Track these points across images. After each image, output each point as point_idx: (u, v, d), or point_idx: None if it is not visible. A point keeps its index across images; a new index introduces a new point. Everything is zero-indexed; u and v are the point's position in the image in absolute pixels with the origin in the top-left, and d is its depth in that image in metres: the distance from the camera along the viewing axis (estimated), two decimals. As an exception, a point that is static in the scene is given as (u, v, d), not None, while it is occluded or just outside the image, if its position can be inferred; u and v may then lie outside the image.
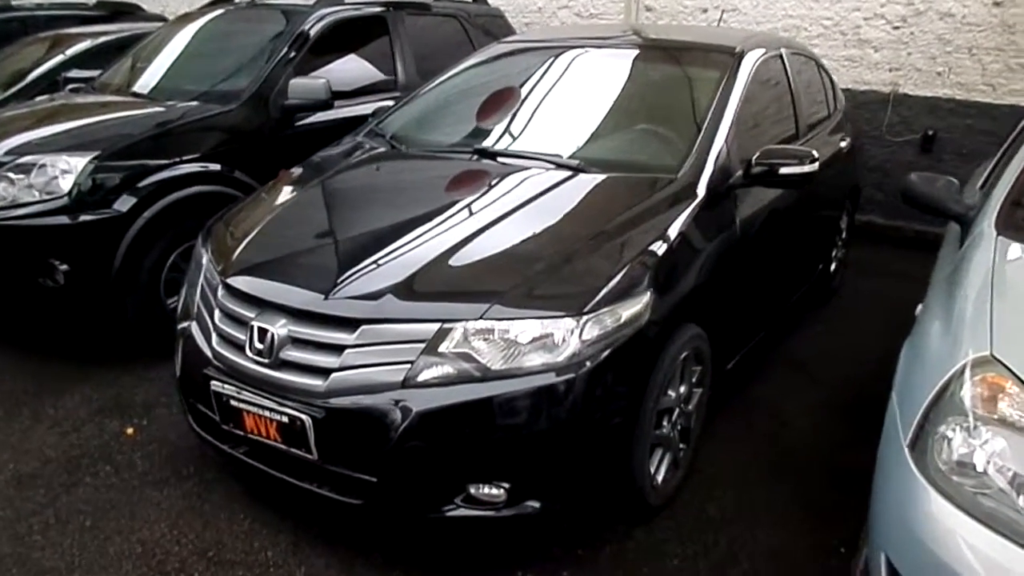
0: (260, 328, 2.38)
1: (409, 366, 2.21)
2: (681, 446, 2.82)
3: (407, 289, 2.34)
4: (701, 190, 2.81)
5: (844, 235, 4.93)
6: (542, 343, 2.21)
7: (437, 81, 3.82)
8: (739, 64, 3.37)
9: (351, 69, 4.66)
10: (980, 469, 1.72)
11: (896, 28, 5.63)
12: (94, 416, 3.32)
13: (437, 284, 2.40)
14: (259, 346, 2.37)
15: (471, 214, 2.69)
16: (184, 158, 3.81)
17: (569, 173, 2.91)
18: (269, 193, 3.13)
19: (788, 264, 3.81)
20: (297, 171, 3.33)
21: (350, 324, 2.28)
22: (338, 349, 2.28)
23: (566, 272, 2.37)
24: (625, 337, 2.31)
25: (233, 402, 2.45)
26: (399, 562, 2.49)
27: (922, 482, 1.77)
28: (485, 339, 2.21)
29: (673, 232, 2.61)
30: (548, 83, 3.50)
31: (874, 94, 5.83)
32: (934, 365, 1.94)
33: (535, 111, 3.37)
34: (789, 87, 3.82)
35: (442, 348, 2.21)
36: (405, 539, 2.58)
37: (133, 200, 3.60)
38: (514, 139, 3.22)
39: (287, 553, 2.54)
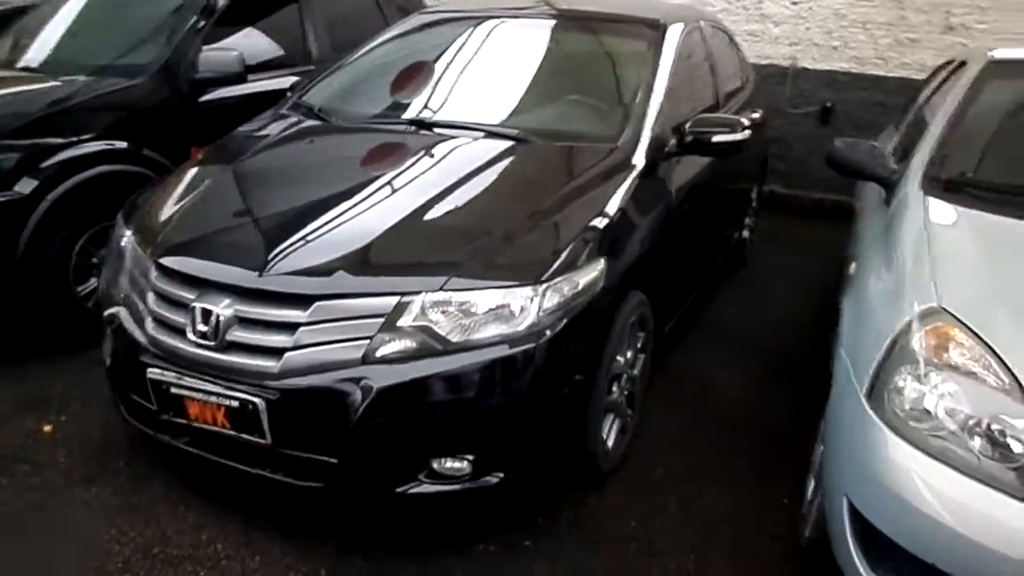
0: (203, 309, 2.25)
1: (368, 342, 2.15)
2: (628, 411, 2.87)
3: (361, 263, 2.27)
4: (641, 159, 2.84)
5: (755, 205, 5.12)
6: (501, 313, 2.19)
7: (360, 52, 3.70)
8: (664, 36, 3.42)
9: (261, 41, 4.45)
10: (933, 413, 1.83)
11: (795, 3, 5.85)
12: (5, 414, 3.08)
13: (391, 257, 2.34)
14: (203, 328, 2.25)
15: (416, 186, 2.63)
16: (86, 136, 3.55)
17: (511, 143, 2.89)
18: (195, 170, 2.96)
19: (713, 232, 3.92)
20: (222, 146, 3.16)
21: (303, 301, 2.19)
22: (291, 327, 2.19)
23: (522, 242, 2.35)
24: (582, 305, 2.32)
25: (174, 389, 2.32)
26: (358, 545, 2.43)
27: (882, 428, 1.87)
28: (443, 311, 2.17)
29: (620, 200, 2.63)
30: (477, 53, 3.45)
31: (775, 68, 6.05)
32: (883, 319, 2.04)
33: (467, 82, 3.31)
34: (708, 59, 3.91)
35: (401, 322, 2.16)
36: (363, 521, 2.52)
37: (35, 182, 3.33)
38: (449, 110, 3.16)
39: (238, 544, 2.43)
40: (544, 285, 2.22)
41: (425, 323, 2.16)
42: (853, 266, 2.62)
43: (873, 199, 2.97)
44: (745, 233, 4.94)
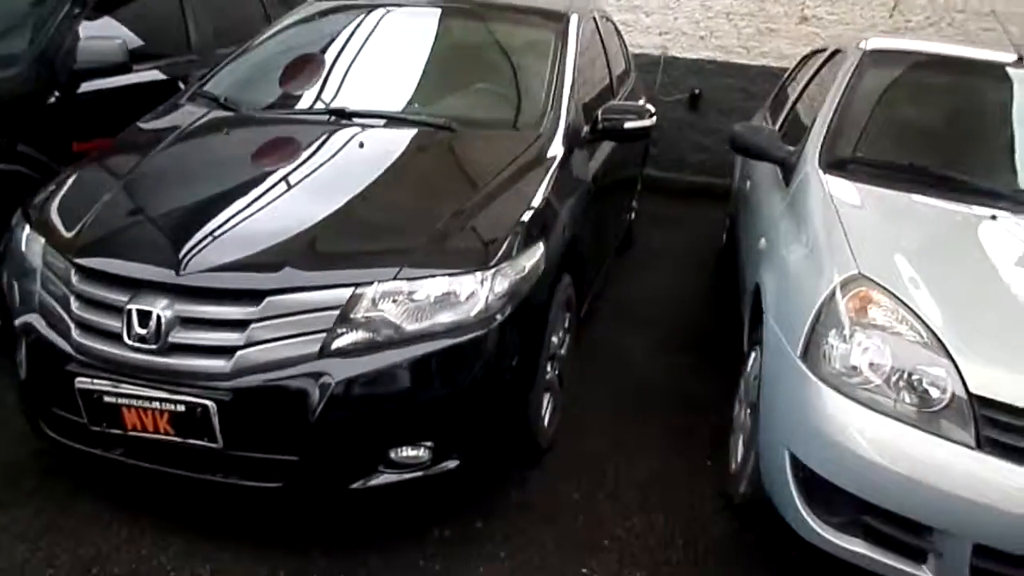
0: (140, 311, 2.14)
1: (324, 335, 2.12)
2: (559, 390, 2.97)
3: (308, 255, 2.24)
4: (562, 145, 2.94)
5: (639, 187, 5.37)
6: (452, 300, 2.22)
7: (259, 40, 3.58)
8: (568, 25, 3.53)
9: (138, 29, 4.18)
10: (859, 368, 2.04)
11: (656, -8, 6.17)
12: None
13: (337, 248, 2.32)
14: (141, 331, 2.14)
15: (347, 176, 2.61)
16: (-49, 132, 3.25)
17: (434, 131, 2.90)
18: (102, 165, 2.78)
19: (614, 214, 4.10)
20: (127, 139, 2.98)
21: (253, 297, 2.13)
22: (241, 325, 2.12)
23: (466, 228, 2.38)
24: (527, 289, 2.38)
25: (108, 399, 2.19)
26: (314, 542, 2.40)
27: (818, 385, 2.06)
28: (395, 300, 2.17)
29: (548, 186, 2.71)
30: (384, 42, 3.43)
31: (647, 57, 6.33)
32: (808, 289, 2.24)
33: (380, 71, 3.29)
34: (602, 48, 4.07)
35: (355, 313, 2.14)
36: (319, 518, 2.48)
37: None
38: (365, 99, 3.12)
39: (183, 554, 2.33)
40: (492, 270, 2.27)
41: (379, 313, 2.16)
42: (763, 242, 2.83)
43: (768, 179, 3.21)
44: (632, 215, 5.17)
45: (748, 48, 6.10)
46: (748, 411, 2.60)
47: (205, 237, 2.28)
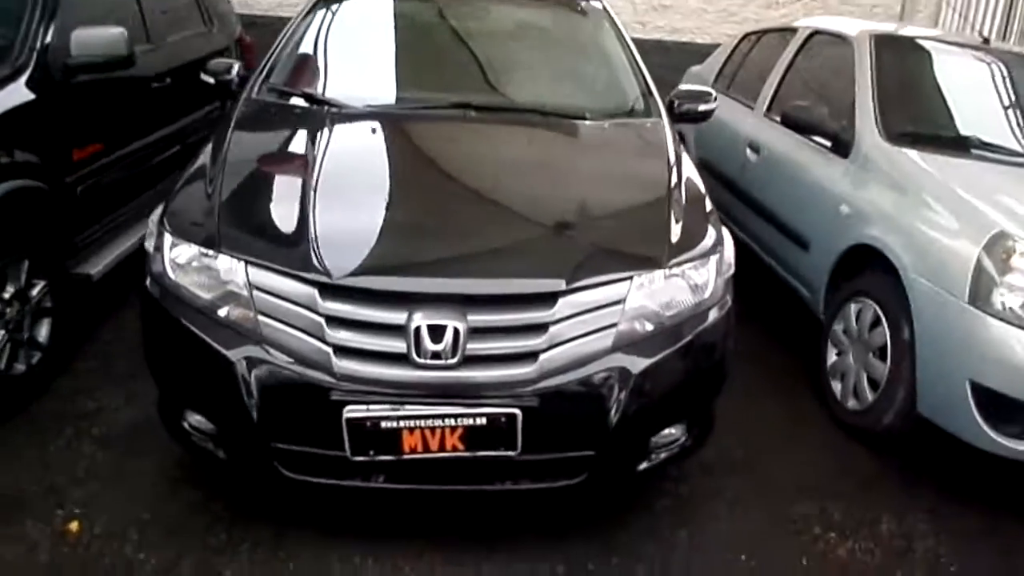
0: (431, 327, 2.05)
1: (614, 329, 2.18)
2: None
3: (584, 250, 2.29)
4: (671, 128, 3.11)
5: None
6: (696, 286, 2.36)
7: (296, 29, 3.33)
8: (604, 8, 3.73)
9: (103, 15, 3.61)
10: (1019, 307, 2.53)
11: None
12: None
13: (598, 243, 2.35)
14: (434, 348, 2.05)
15: (546, 171, 2.65)
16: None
17: (574, 122, 2.97)
18: (254, 175, 2.51)
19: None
20: (246, 146, 2.67)
21: (546, 299, 2.13)
22: (540, 328, 2.12)
23: (685, 219, 2.49)
24: (729, 272, 2.56)
25: (386, 424, 2.07)
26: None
27: (995, 322, 2.53)
28: (656, 290, 2.27)
29: (694, 169, 2.90)
30: (470, 30, 3.38)
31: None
32: (959, 245, 2.68)
33: (478, 60, 3.23)
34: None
35: (629, 306, 2.22)
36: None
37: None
38: (489, 92, 3.10)
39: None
40: (717, 254, 2.44)
41: (645, 303, 2.24)
42: (844, 208, 3.23)
43: (801, 152, 3.63)
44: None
45: (644, 23, 6.55)
46: (870, 355, 3.00)
47: (462, 243, 2.23)
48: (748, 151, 4.16)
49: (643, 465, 2.34)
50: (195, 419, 2.29)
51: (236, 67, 3.23)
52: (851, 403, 3.11)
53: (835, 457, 2.98)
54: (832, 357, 3.27)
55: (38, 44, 3.09)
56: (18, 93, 2.91)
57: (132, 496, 2.49)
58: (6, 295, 2.83)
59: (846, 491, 2.78)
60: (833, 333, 3.26)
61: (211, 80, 3.24)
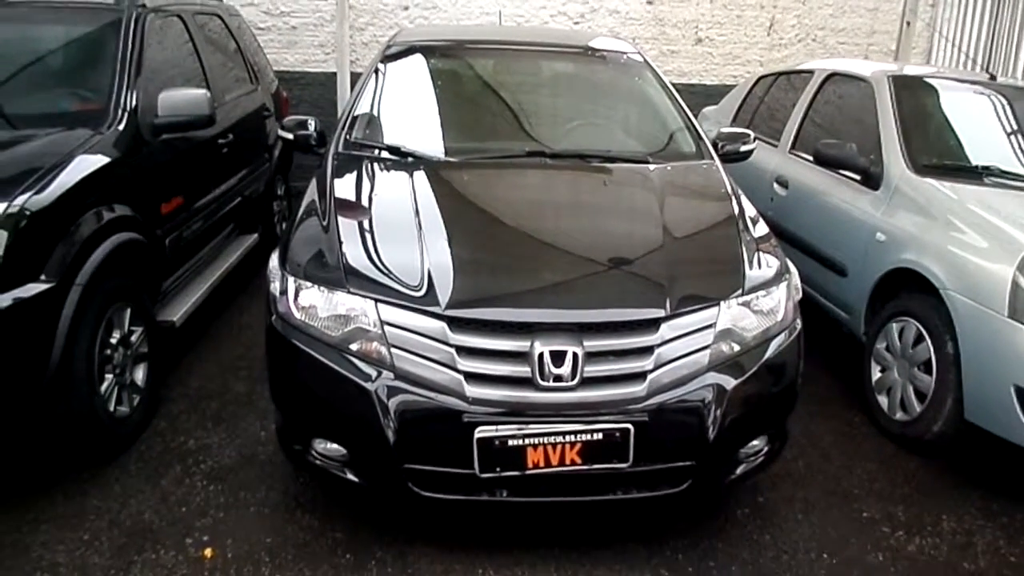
0: (554, 352, 2.28)
1: (708, 349, 2.42)
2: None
3: (675, 279, 2.52)
4: (722, 166, 3.40)
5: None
6: (771, 310, 2.62)
7: (370, 86, 3.58)
8: (643, 59, 4.04)
9: (175, 76, 3.87)
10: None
11: (576, 23, 6.73)
12: (117, 554, 2.51)
13: (688, 271, 2.59)
14: (557, 371, 2.28)
15: (627, 210, 2.96)
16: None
17: (640, 166, 3.24)
18: (364, 224, 2.76)
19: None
20: (351, 197, 2.91)
21: (650, 325, 2.38)
22: (647, 351, 2.36)
23: (757, 249, 2.75)
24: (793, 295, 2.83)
25: (513, 442, 2.30)
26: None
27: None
28: (740, 315, 2.53)
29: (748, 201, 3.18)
30: (523, 82, 3.65)
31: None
32: (994, 268, 2.96)
33: (541, 111, 3.53)
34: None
35: (723, 326, 2.47)
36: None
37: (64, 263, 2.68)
38: (559, 141, 3.37)
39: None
40: (787, 280, 2.71)
41: (731, 326, 2.50)
42: (880, 236, 3.52)
43: (831, 186, 3.94)
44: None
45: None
46: (915, 369, 3.27)
47: (570, 276, 2.47)
48: (776, 185, 4.46)
49: (737, 472, 2.58)
50: (324, 446, 2.49)
51: (312, 123, 3.47)
52: (899, 415, 3.37)
53: (889, 465, 3.23)
54: (876, 374, 3.53)
55: (130, 105, 3.33)
56: (114, 151, 3.14)
57: (253, 524, 2.68)
58: (113, 340, 3.02)
59: (905, 494, 3.03)
60: (876, 351, 3.52)
61: (289, 136, 3.47)
